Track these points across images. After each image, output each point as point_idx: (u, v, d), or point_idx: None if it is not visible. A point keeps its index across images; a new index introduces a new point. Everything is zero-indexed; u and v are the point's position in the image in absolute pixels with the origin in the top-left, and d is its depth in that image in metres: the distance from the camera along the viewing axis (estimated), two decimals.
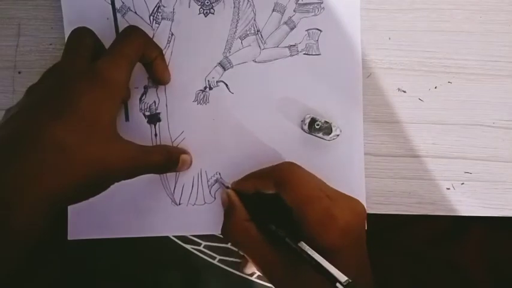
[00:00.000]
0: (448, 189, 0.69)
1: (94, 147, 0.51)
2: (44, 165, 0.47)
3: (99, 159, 0.51)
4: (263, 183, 0.61)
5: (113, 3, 0.69)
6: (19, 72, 0.71)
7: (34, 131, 0.49)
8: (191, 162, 0.69)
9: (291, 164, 0.61)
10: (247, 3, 0.69)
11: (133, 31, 0.60)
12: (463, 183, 0.69)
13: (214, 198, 0.68)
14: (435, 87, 0.69)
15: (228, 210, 0.63)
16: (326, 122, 0.66)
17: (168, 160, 0.63)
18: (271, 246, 0.58)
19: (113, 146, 0.54)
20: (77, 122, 0.50)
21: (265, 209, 0.62)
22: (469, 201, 0.69)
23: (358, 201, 0.60)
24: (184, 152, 0.67)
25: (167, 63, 0.68)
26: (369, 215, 0.68)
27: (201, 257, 0.73)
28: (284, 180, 0.58)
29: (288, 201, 0.57)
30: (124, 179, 0.56)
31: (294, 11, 0.69)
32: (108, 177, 0.54)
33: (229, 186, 0.65)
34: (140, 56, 0.61)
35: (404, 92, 0.69)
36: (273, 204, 0.60)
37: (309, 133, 0.67)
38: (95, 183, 0.53)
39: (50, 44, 0.71)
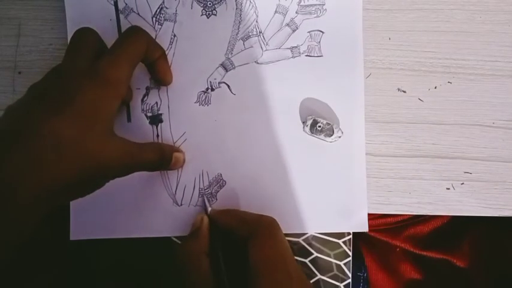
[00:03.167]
0: (448, 189, 0.69)
1: (90, 143, 0.51)
2: (37, 159, 0.47)
3: (94, 155, 0.51)
4: (239, 226, 0.61)
5: (115, 5, 0.68)
6: (19, 72, 0.70)
7: (31, 124, 0.49)
8: (184, 160, 0.69)
9: (273, 222, 0.61)
10: (250, 5, 0.69)
11: (135, 31, 0.60)
12: (463, 183, 0.69)
13: (216, 199, 0.68)
14: (435, 87, 0.69)
15: (193, 234, 0.63)
16: (328, 124, 0.66)
17: (161, 158, 0.63)
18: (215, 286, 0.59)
19: (109, 143, 0.54)
20: (74, 117, 0.51)
21: (229, 252, 0.63)
22: (469, 201, 0.69)
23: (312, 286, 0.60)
24: (178, 150, 0.68)
25: (169, 64, 0.68)
26: (369, 215, 0.69)
27: None
28: (257, 233, 0.59)
29: (250, 256, 0.57)
30: (118, 176, 0.57)
31: (296, 12, 0.69)
32: (102, 173, 0.54)
33: (209, 210, 0.66)
34: (142, 56, 0.60)
35: (404, 92, 0.69)
36: (238, 251, 0.60)
37: (310, 134, 0.67)
38: (89, 179, 0.53)
39: (50, 44, 0.71)
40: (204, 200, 0.68)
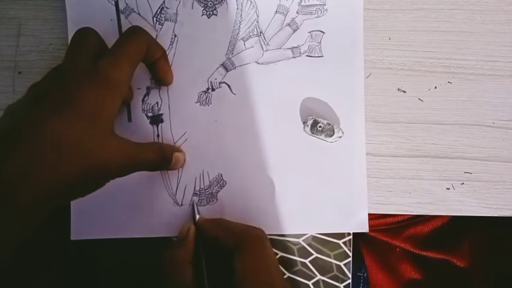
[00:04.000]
0: (448, 189, 0.69)
1: (91, 143, 0.51)
2: (38, 159, 0.47)
3: (94, 155, 0.51)
4: (226, 236, 0.62)
5: (116, 5, 0.68)
6: (19, 73, 0.70)
7: (31, 124, 0.49)
8: (185, 160, 0.69)
9: (261, 234, 0.62)
10: (250, 5, 0.69)
11: (136, 31, 0.60)
12: (463, 183, 0.69)
13: (217, 199, 0.68)
14: (435, 87, 0.69)
15: (179, 243, 0.64)
16: (328, 124, 0.66)
17: (161, 158, 0.63)
18: None
19: (109, 143, 0.54)
20: (76, 118, 0.50)
21: (212, 260, 0.63)
22: (469, 201, 0.69)
23: None
24: (178, 150, 0.67)
25: (170, 64, 0.68)
26: (369, 215, 0.69)
27: None
28: (244, 245, 0.59)
29: (235, 267, 0.57)
30: (118, 176, 0.56)
31: (297, 12, 0.69)
32: (103, 173, 0.54)
33: (197, 218, 0.66)
34: (143, 56, 0.60)
35: (404, 92, 0.69)
36: (222, 260, 0.61)
37: (311, 135, 0.67)
38: (89, 179, 0.53)
39: (50, 44, 0.70)
40: (193, 207, 0.68)
